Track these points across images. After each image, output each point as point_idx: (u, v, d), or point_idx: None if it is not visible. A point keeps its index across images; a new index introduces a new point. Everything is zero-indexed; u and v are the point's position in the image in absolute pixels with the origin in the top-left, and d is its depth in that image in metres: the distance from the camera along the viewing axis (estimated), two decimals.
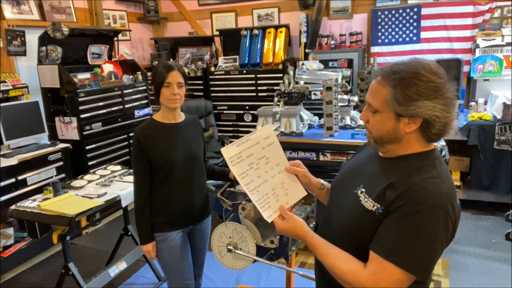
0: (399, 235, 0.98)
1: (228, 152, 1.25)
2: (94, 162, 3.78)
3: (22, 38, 3.58)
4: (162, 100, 1.86)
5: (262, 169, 1.29)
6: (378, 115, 1.07)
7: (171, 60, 5.22)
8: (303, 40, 4.50)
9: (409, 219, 0.98)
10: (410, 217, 0.98)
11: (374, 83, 1.08)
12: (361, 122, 3.22)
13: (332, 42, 4.59)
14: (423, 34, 4.34)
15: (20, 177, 3.11)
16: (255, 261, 1.49)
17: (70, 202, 2.30)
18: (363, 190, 1.10)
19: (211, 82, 4.86)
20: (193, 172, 1.95)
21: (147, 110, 4.41)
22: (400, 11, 4.38)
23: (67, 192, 2.46)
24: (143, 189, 1.88)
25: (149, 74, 4.55)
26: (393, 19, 4.43)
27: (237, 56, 4.81)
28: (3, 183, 2.98)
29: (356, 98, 3.17)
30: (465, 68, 4.11)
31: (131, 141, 4.16)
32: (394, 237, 0.99)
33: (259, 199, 1.23)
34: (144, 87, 4.38)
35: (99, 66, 4.13)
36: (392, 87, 1.03)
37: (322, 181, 1.42)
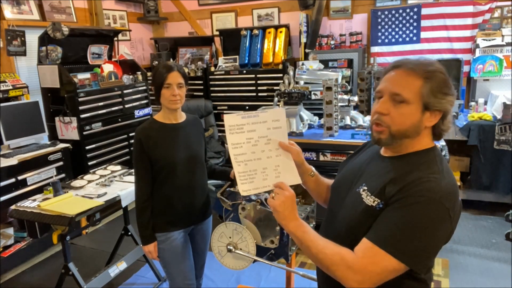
0: (394, 224, 0.98)
1: (231, 120, 1.24)
2: (94, 162, 3.78)
3: (22, 38, 3.58)
4: (162, 101, 1.86)
5: (259, 147, 1.26)
6: (405, 107, 1.04)
7: (171, 60, 5.22)
8: (303, 40, 4.50)
9: (406, 210, 0.98)
10: (407, 208, 0.98)
11: (401, 73, 1.06)
12: (361, 122, 3.22)
13: (332, 42, 4.59)
14: (423, 34, 4.34)
15: (20, 177, 3.11)
16: (255, 261, 1.49)
17: (70, 202, 2.30)
18: (365, 188, 1.11)
19: (211, 82, 4.86)
20: (194, 172, 1.95)
21: (147, 110, 4.42)
22: (400, 11, 4.38)
23: (67, 192, 2.46)
24: (144, 189, 1.88)
25: (149, 74, 4.55)
26: (393, 19, 4.43)
27: (237, 56, 4.81)
28: (3, 183, 2.98)
29: (356, 98, 3.17)
30: (465, 68, 4.11)
31: (131, 141, 4.16)
32: (389, 226, 0.99)
33: (243, 172, 1.22)
34: (144, 87, 4.38)
35: (99, 66, 4.12)
36: (425, 78, 1.03)
37: (314, 169, 1.40)
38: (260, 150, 1.26)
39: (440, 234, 0.99)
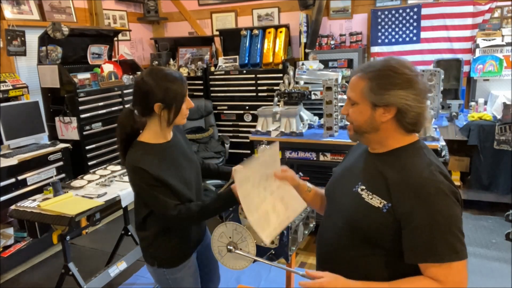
0: (433, 234, 1.03)
1: (241, 175, 1.28)
2: (94, 162, 3.78)
3: (22, 38, 3.58)
4: (178, 119, 1.59)
5: (261, 186, 1.30)
6: (356, 106, 1.16)
7: (171, 60, 5.21)
8: (303, 40, 4.50)
9: (431, 217, 1.03)
10: (431, 215, 1.03)
11: (354, 78, 1.17)
12: None
13: (332, 42, 4.59)
14: (423, 34, 4.34)
15: (20, 177, 3.11)
16: (255, 261, 1.49)
17: (70, 202, 2.30)
18: (363, 187, 1.13)
19: (211, 82, 4.86)
20: (201, 184, 1.78)
21: None
22: (400, 11, 4.38)
23: (67, 192, 2.46)
24: (173, 200, 1.52)
25: None
26: (393, 19, 4.43)
27: (237, 56, 4.81)
28: (3, 183, 2.98)
29: None
30: (465, 68, 4.11)
31: None
32: (431, 238, 1.03)
33: (258, 219, 1.25)
34: None
35: (99, 66, 4.13)
36: (368, 79, 1.12)
37: (308, 184, 1.46)
38: (263, 189, 1.30)
39: (460, 214, 1.07)
